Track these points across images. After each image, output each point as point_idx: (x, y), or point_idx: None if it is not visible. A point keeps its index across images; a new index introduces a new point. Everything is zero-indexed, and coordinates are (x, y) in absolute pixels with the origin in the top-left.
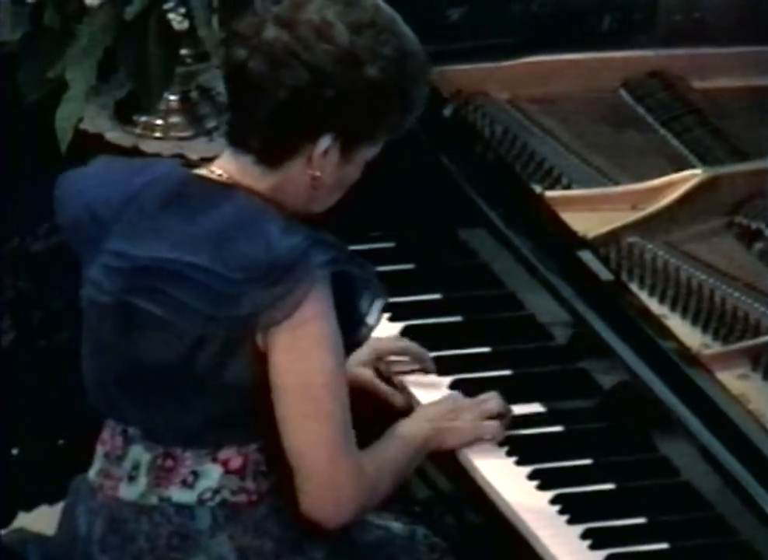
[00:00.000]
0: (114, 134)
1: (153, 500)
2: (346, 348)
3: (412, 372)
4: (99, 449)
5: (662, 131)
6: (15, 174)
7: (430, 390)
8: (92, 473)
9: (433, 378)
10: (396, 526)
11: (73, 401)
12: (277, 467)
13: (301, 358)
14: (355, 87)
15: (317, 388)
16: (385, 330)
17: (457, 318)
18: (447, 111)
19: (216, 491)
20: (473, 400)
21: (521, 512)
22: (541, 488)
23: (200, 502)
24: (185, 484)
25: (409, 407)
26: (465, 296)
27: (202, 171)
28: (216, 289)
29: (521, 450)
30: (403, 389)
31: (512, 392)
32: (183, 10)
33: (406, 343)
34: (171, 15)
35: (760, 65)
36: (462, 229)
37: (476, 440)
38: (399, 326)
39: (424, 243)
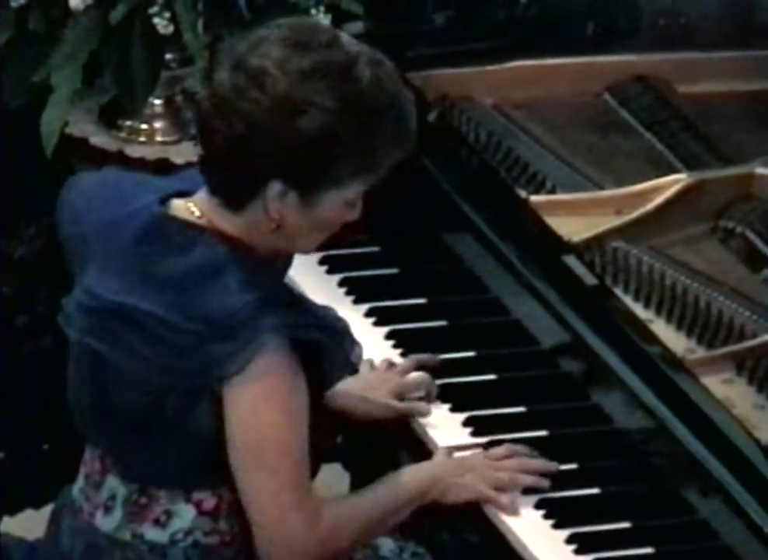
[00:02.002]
0: (99, 139)
1: (127, 536)
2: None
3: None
4: (82, 469)
5: (647, 136)
6: (0, 178)
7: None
8: (75, 489)
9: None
10: (386, 543)
11: (59, 406)
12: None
13: (251, 414)
14: (289, 138)
15: (265, 444)
16: (370, 334)
17: (442, 323)
18: (431, 116)
19: (188, 533)
20: (489, 461)
21: (506, 517)
22: (525, 492)
23: (173, 542)
24: (158, 523)
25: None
26: (449, 301)
27: (181, 207)
28: (171, 342)
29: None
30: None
31: (496, 396)
32: (168, 14)
33: (423, 377)
34: (156, 20)
35: (745, 70)
36: (447, 234)
37: (478, 500)
38: (383, 330)
39: (409, 248)
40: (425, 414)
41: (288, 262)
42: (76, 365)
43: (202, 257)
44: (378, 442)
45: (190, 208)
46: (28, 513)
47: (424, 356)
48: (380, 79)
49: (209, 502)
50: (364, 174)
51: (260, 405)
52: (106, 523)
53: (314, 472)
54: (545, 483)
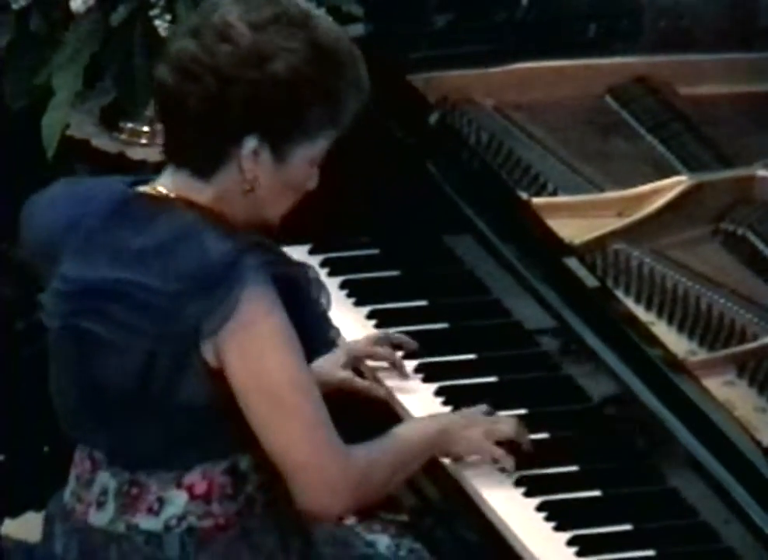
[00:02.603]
0: (100, 141)
1: (121, 527)
2: (317, 349)
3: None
4: (72, 471)
5: (648, 138)
6: (2, 180)
7: (415, 397)
8: (66, 494)
9: (418, 385)
10: (383, 540)
11: None
12: (264, 473)
13: (256, 361)
14: (262, 85)
15: (280, 388)
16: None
17: (443, 325)
18: (433, 118)
19: (182, 518)
20: (489, 417)
21: (508, 518)
22: (528, 494)
23: (167, 528)
24: (151, 511)
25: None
26: (450, 303)
27: (146, 189)
28: (156, 305)
29: (518, 449)
30: (388, 393)
31: (498, 399)
32: (169, 17)
33: (377, 348)
34: (157, 22)
35: (747, 72)
36: (448, 236)
37: (481, 454)
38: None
39: (410, 250)
40: (378, 390)
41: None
42: (59, 357)
43: (176, 222)
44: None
45: (157, 188)
46: (29, 515)
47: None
48: (333, 28)
49: (200, 486)
50: (329, 125)
51: (261, 348)
52: (99, 518)
53: None
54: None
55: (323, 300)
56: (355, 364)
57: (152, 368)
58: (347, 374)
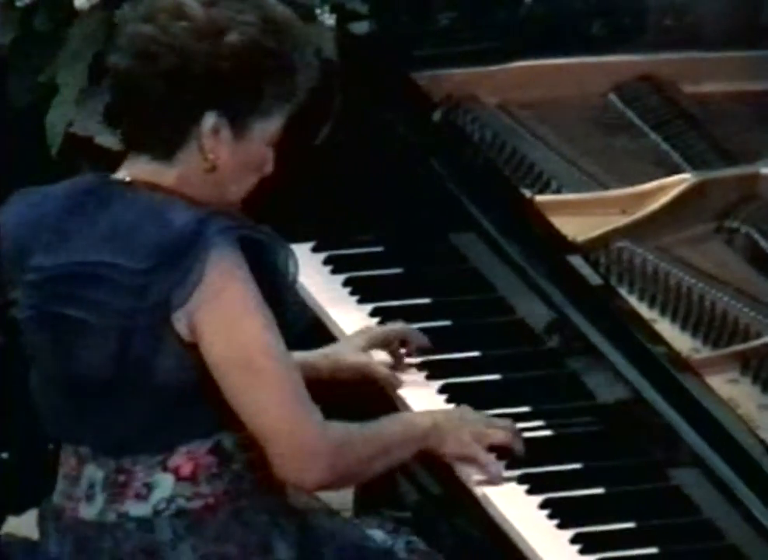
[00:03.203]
0: (104, 138)
1: (112, 517)
2: (284, 311)
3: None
4: (60, 471)
5: (652, 136)
6: (6, 177)
7: (418, 394)
8: (55, 496)
9: (422, 382)
10: (379, 533)
11: None
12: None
13: (227, 327)
14: (220, 57)
15: (254, 355)
16: None
17: (447, 322)
18: (437, 116)
19: (170, 501)
20: (485, 419)
21: (511, 516)
22: (530, 492)
23: (156, 513)
24: (139, 497)
25: None
26: (454, 301)
27: (113, 174)
28: (126, 283)
29: (511, 455)
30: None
31: (501, 396)
32: None
33: (399, 326)
34: None
35: (750, 70)
36: (452, 234)
37: (470, 457)
38: None
39: (414, 248)
40: (397, 382)
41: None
42: (35, 350)
43: (140, 205)
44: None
45: (123, 175)
46: (33, 512)
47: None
48: (280, 5)
49: (186, 467)
50: (284, 100)
51: (232, 314)
52: (89, 511)
53: None
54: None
55: (292, 267)
56: (377, 348)
57: (128, 348)
58: (367, 358)
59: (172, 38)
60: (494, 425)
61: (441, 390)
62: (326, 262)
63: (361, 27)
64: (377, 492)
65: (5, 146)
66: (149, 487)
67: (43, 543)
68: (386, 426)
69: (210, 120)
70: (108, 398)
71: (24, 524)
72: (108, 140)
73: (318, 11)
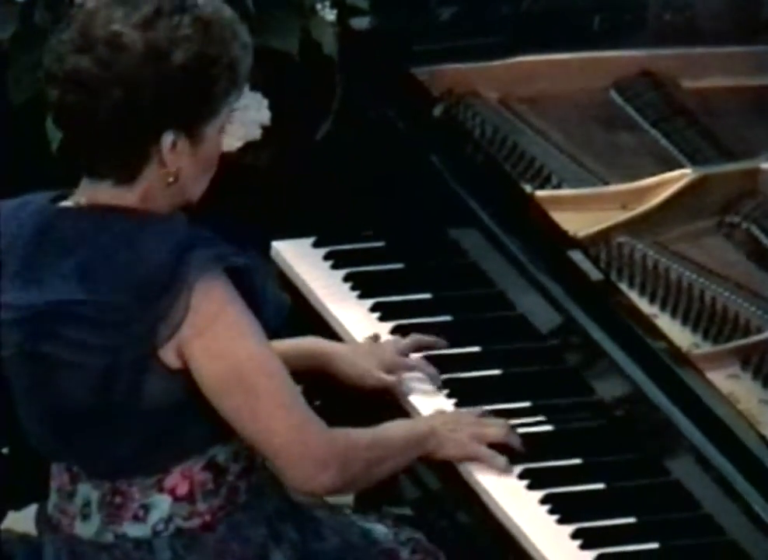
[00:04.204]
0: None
1: (109, 537)
2: (266, 323)
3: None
4: (52, 483)
5: (652, 131)
6: (6, 173)
7: (419, 390)
8: (50, 506)
9: (423, 376)
10: (381, 528)
11: None
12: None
13: (222, 354)
14: (170, 79)
15: (253, 376)
16: (375, 329)
17: (447, 318)
18: (437, 111)
19: (168, 521)
20: (478, 419)
21: (511, 512)
22: (531, 487)
23: (155, 534)
24: (137, 518)
25: None
26: (455, 296)
27: (69, 203)
28: (107, 320)
29: (511, 450)
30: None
31: (502, 391)
32: None
33: (416, 361)
34: None
35: (751, 65)
36: (452, 229)
37: (471, 457)
38: (388, 325)
39: (414, 243)
40: (409, 392)
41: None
42: (18, 385)
43: (107, 234)
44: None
45: (83, 198)
46: (33, 508)
47: (430, 338)
48: (214, 1)
49: (182, 487)
50: (232, 91)
51: (224, 341)
52: (85, 530)
53: None
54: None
55: (270, 285)
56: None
57: (112, 381)
58: (392, 379)
59: (115, 71)
60: (489, 424)
61: (442, 385)
62: (326, 257)
63: (361, 22)
64: (376, 488)
65: (4, 142)
66: (146, 508)
67: (40, 550)
68: (388, 431)
69: (168, 139)
70: (97, 429)
71: (23, 520)
72: None
73: (318, 6)
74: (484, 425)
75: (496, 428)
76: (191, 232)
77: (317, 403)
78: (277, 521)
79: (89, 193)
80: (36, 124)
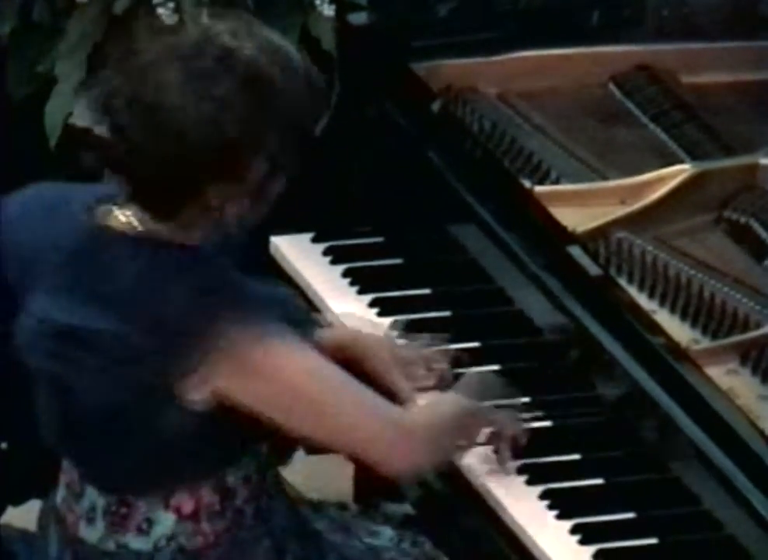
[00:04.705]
0: (103, 129)
1: (111, 546)
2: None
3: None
4: (61, 477)
5: (651, 126)
6: (4, 169)
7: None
8: (58, 497)
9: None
10: (386, 531)
11: None
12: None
13: (268, 394)
14: (216, 147)
15: (312, 393)
16: (374, 325)
17: (446, 313)
18: (436, 106)
19: (171, 538)
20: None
21: (510, 507)
22: (530, 483)
23: (157, 549)
24: (140, 530)
25: None
26: (454, 291)
27: (112, 216)
28: (127, 355)
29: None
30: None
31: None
32: (172, 5)
33: (429, 352)
34: (160, 10)
35: (749, 60)
36: (451, 225)
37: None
38: (387, 321)
39: (413, 238)
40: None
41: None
42: (40, 387)
43: (144, 267)
44: None
45: (121, 216)
46: (32, 503)
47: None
48: (263, 52)
49: (188, 506)
50: (290, 134)
51: (263, 390)
52: (90, 534)
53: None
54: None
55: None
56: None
57: (129, 410)
58: (387, 359)
59: (162, 144)
60: (500, 418)
61: None
62: (325, 253)
63: (359, 18)
64: (376, 485)
65: (3, 138)
66: (150, 522)
67: (42, 541)
68: (443, 405)
69: (213, 191)
70: (106, 448)
71: (22, 516)
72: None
73: (317, 2)
74: (498, 415)
75: (506, 421)
76: (217, 273)
77: None
78: (282, 538)
79: (131, 210)
80: (35, 120)
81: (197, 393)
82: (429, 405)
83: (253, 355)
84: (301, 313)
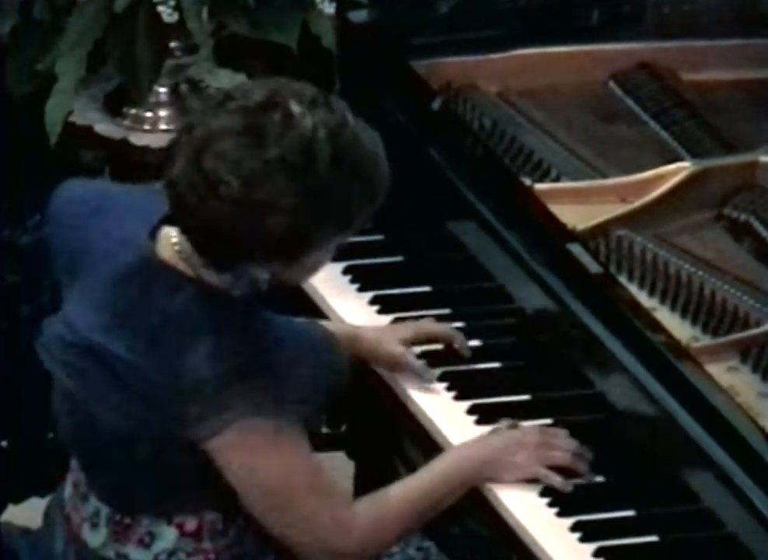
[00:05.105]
0: (103, 127)
1: (111, 554)
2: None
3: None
4: (69, 475)
5: (651, 124)
6: (5, 166)
7: (418, 384)
8: (66, 494)
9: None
10: None
11: None
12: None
13: (247, 470)
14: (260, 235)
15: (276, 495)
16: (374, 322)
17: (446, 311)
18: (436, 104)
19: (171, 553)
20: (542, 438)
21: (510, 505)
22: (530, 480)
23: None
24: (142, 543)
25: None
26: (454, 289)
27: (168, 248)
28: (140, 390)
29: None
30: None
31: (500, 385)
32: (172, 2)
33: (445, 327)
34: (160, 8)
35: (749, 58)
36: (451, 222)
37: (532, 477)
38: (387, 318)
39: (413, 236)
40: (428, 377)
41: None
42: (56, 391)
43: (182, 308)
44: (381, 431)
45: (179, 252)
46: (32, 501)
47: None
48: (340, 150)
49: (191, 524)
50: (342, 232)
51: (245, 464)
52: (92, 539)
53: None
54: (591, 475)
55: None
56: (414, 342)
57: (135, 438)
58: (401, 350)
59: (206, 210)
60: (556, 445)
61: (441, 378)
62: None
63: (360, 15)
64: (375, 481)
65: (3, 136)
66: (152, 536)
67: (46, 536)
68: (433, 481)
69: (258, 270)
70: (116, 469)
71: (23, 513)
72: (108, 129)
73: (318, 0)
74: (551, 446)
75: (562, 452)
76: (250, 335)
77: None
78: (286, 549)
79: (185, 254)
80: (35, 118)
81: (196, 440)
82: (414, 484)
83: (253, 437)
84: (333, 355)
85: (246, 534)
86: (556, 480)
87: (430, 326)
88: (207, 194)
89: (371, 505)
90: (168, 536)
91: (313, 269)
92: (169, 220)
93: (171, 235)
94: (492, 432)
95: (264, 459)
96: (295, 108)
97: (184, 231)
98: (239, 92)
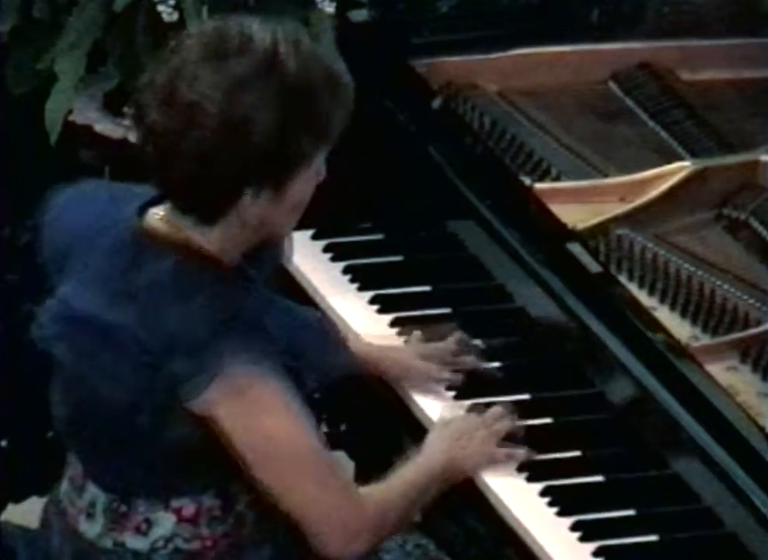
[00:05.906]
0: (103, 126)
1: (108, 543)
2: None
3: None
4: (65, 470)
5: (651, 124)
6: (5, 166)
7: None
8: (62, 490)
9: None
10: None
11: None
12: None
13: (250, 429)
14: (246, 152)
15: (278, 455)
16: (374, 321)
17: (446, 310)
18: (436, 103)
19: (169, 540)
20: (482, 420)
21: (511, 504)
22: (530, 480)
23: (154, 550)
24: (139, 530)
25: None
26: (454, 288)
27: (156, 220)
28: (136, 358)
29: (511, 443)
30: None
31: (501, 384)
32: (172, 2)
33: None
34: (160, 7)
35: (749, 58)
36: (451, 221)
37: (493, 461)
38: (387, 318)
39: (413, 235)
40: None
41: (272, 256)
42: (55, 377)
43: (172, 272)
44: (381, 430)
45: (165, 221)
46: (32, 500)
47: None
48: (305, 60)
49: (189, 510)
50: (322, 145)
51: (257, 418)
52: (88, 529)
53: None
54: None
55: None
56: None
57: (136, 412)
58: (420, 364)
59: (190, 145)
60: (493, 420)
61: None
62: (325, 250)
63: (360, 15)
64: (375, 481)
65: (3, 135)
66: (149, 523)
67: (44, 534)
68: (412, 474)
69: (246, 199)
70: (115, 448)
71: (22, 513)
72: (107, 128)
73: None
74: (490, 423)
75: (501, 421)
76: (240, 297)
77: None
78: (284, 545)
79: (169, 218)
80: (35, 117)
81: (198, 411)
82: (400, 476)
83: (251, 390)
84: (326, 336)
85: (245, 523)
86: (519, 453)
87: (441, 345)
88: (188, 126)
89: (375, 495)
90: (165, 522)
91: (299, 206)
92: (154, 201)
93: (157, 210)
94: (433, 441)
95: (263, 417)
96: (249, 24)
97: (168, 190)
98: (190, 32)
